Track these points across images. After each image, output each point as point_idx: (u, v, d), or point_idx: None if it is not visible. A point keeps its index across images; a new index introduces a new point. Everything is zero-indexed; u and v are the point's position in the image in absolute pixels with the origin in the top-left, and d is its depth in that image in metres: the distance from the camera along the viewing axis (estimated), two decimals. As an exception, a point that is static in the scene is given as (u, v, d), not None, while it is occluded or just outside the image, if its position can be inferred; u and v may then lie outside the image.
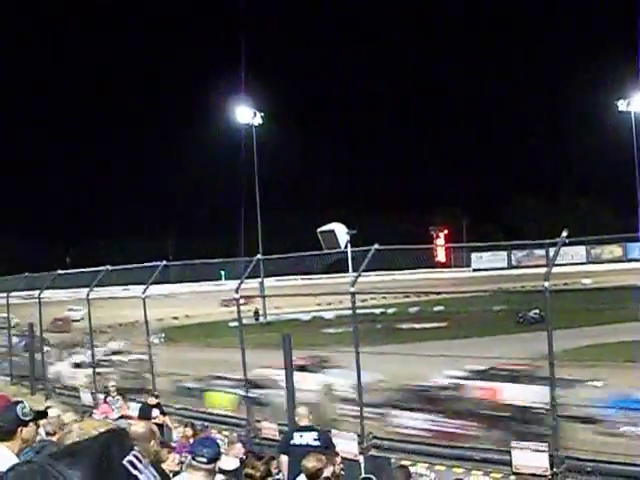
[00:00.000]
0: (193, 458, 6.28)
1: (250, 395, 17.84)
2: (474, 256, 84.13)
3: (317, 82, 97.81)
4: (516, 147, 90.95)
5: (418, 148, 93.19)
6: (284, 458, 10.64)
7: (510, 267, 79.44)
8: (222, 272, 53.81)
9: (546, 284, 12.50)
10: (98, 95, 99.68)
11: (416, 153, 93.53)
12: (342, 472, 9.52)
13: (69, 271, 29.77)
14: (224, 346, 26.30)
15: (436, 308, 45.86)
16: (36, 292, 26.69)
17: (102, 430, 2.15)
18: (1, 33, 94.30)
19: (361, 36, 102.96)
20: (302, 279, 61.34)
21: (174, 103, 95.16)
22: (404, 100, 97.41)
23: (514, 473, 8.65)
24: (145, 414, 14.29)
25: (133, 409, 16.84)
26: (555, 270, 13.26)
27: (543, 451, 8.49)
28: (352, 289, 15.03)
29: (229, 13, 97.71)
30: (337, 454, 10.00)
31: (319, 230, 43.73)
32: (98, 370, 24.31)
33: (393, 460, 12.52)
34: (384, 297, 46.58)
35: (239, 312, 18.24)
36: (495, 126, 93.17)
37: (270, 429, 14.93)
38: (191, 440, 10.37)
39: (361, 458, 13.16)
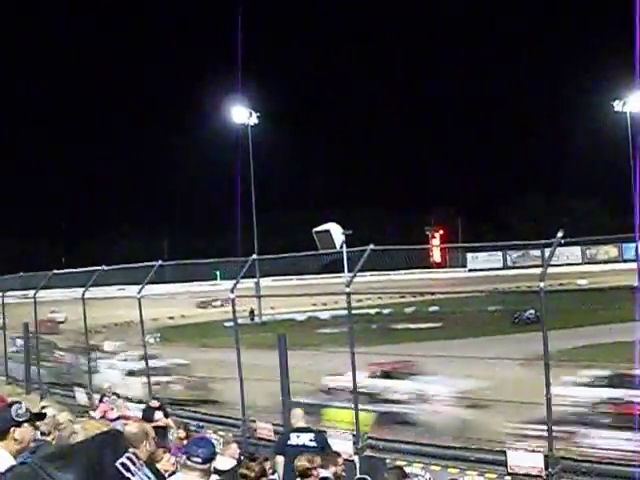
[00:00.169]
0: (188, 458, 6.28)
1: (381, 410, 16.80)
2: (469, 256, 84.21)
3: (312, 81, 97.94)
4: (513, 147, 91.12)
5: (414, 148, 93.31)
6: (280, 459, 10.65)
7: (505, 267, 79.53)
8: (217, 272, 53.80)
9: (541, 284, 12.50)
10: (97, 96, 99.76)
11: (412, 153, 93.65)
12: (343, 473, 9.54)
13: (65, 271, 29.68)
14: (230, 346, 26.29)
15: (431, 308, 45.92)
16: (31, 292, 26.66)
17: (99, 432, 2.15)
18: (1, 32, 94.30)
19: (356, 35, 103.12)
20: (297, 279, 61.35)
21: (171, 104, 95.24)
22: (400, 99, 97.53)
23: (509, 474, 8.66)
24: (148, 416, 14.29)
25: (132, 409, 16.82)
26: (551, 270, 13.27)
27: (538, 452, 8.51)
28: (347, 289, 15.03)
29: (225, 12, 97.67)
30: (339, 455, 10.02)
31: (314, 230, 43.71)
32: (157, 379, 23.10)
33: (388, 460, 12.52)
34: (380, 297, 46.61)
35: (234, 312, 18.23)
36: (492, 126, 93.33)
37: (265, 429, 14.93)
38: (185, 441, 10.36)
39: (356, 458, 13.16)
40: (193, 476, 6.16)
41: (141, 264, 22.69)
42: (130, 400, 20.65)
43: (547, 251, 15.73)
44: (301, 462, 8.05)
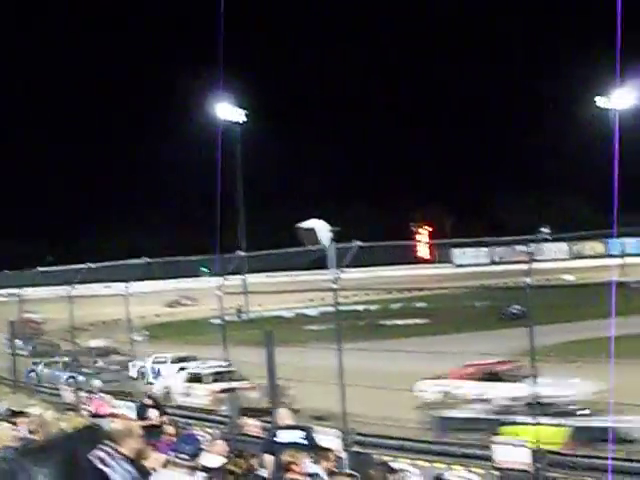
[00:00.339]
0: (175, 455, 6.28)
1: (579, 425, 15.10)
2: (457, 252, 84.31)
3: (302, 79, 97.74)
4: (500, 145, 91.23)
5: (403, 145, 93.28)
6: (268, 457, 10.62)
7: (493, 263, 79.64)
8: (204, 269, 53.68)
9: (527, 280, 12.58)
10: (85, 95, 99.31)
11: (401, 150, 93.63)
12: (335, 469, 9.55)
13: (50, 269, 29.58)
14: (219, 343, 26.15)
15: (419, 304, 45.97)
16: (15, 290, 26.57)
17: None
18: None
19: (344, 32, 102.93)
20: (284, 276, 61.30)
21: (159, 102, 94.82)
22: (390, 97, 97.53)
23: (495, 468, 8.69)
24: (141, 414, 14.25)
25: (124, 407, 16.81)
26: (537, 266, 13.34)
27: (524, 446, 8.54)
28: (334, 286, 15.05)
29: (213, 8, 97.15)
30: (330, 451, 10.03)
31: (299, 226, 43.69)
32: (221, 385, 22.11)
33: (375, 456, 12.55)
34: (367, 294, 46.64)
35: (221, 309, 18.22)
36: (479, 124, 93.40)
37: (253, 427, 14.92)
38: (174, 438, 10.35)
39: (344, 454, 13.18)
40: (180, 472, 6.16)
41: (127, 261, 22.67)
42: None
43: (533, 247, 15.82)
44: (285, 457, 8.11)
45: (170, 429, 12.45)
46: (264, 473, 9.63)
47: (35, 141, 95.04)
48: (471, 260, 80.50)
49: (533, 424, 12.34)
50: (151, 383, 27.73)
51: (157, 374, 29.18)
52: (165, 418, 14.42)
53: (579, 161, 77.51)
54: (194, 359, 29.03)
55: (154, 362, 30.02)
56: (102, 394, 17.65)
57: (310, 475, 8.19)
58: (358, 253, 15.84)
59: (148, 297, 41.19)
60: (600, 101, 54.25)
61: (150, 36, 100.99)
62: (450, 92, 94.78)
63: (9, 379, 26.46)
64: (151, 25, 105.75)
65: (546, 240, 12.94)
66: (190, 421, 16.93)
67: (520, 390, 17.86)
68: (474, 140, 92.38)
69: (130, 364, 28.93)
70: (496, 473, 8.40)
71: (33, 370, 28.44)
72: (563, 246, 77.63)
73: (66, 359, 27.82)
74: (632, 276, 40.82)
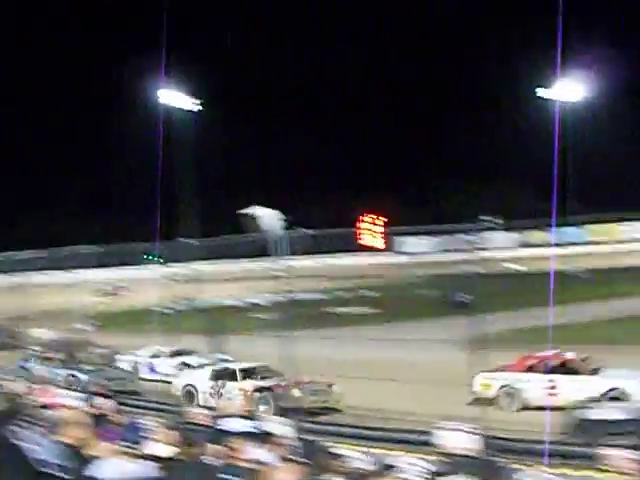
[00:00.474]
0: (123, 444, 6.27)
1: None
2: (404, 240, 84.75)
3: (247, 65, 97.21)
4: (446, 133, 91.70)
5: (352, 133, 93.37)
6: (212, 446, 10.60)
7: (441, 252, 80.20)
8: (149, 256, 53.36)
9: (473, 268, 12.70)
10: (26, 82, 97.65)
11: (349, 138, 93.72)
12: (291, 456, 9.55)
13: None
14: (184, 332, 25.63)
15: (369, 293, 46.10)
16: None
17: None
18: None
19: (287, 21, 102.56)
20: (232, 264, 61.08)
21: (104, 88, 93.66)
22: (336, 84, 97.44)
23: (440, 453, 8.75)
24: (89, 403, 14.07)
25: (72, 397, 16.60)
26: (485, 254, 13.49)
27: (472, 432, 8.60)
28: (283, 274, 15.06)
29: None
30: (281, 438, 10.03)
31: (242, 212, 43.43)
32: (256, 383, 20.59)
33: (326, 444, 12.57)
34: (316, 282, 46.70)
35: (172, 298, 18.13)
36: (425, 113, 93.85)
37: (201, 415, 14.86)
38: (121, 427, 10.30)
39: (296, 443, 13.18)
40: (127, 461, 6.14)
41: (69, 248, 22.36)
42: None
43: (480, 236, 15.99)
44: (229, 445, 8.14)
45: (118, 418, 12.37)
46: (210, 461, 9.62)
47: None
48: (421, 249, 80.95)
49: None
50: (144, 379, 25.87)
51: (152, 369, 26.81)
52: (113, 406, 14.30)
53: (528, 151, 78.27)
54: (192, 353, 26.86)
55: (149, 356, 27.39)
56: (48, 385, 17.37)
57: (257, 462, 8.19)
58: (308, 241, 15.87)
59: (90, 285, 40.79)
60: (542, 92, 54.49)
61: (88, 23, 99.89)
62: (394, 80, 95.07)
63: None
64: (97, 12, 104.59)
65: (492, 229, 13.07)
66: (140, 410, 16.83)
67: (604, 383, 18.34)
68: (421, 127, 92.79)
69: (119, 358, 26.98)
70: (444, 459, 8.46)
71: (23, 367, 25.95)
72: (510, 235, 78.45)
73: (61, 356, 26.13)
74: (575, 265, 41.47)
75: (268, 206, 44.09)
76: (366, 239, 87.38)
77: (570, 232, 60.44)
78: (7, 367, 26.12)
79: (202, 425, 11.40)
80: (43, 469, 5.82)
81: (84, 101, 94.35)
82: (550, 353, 20.19)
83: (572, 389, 19.03)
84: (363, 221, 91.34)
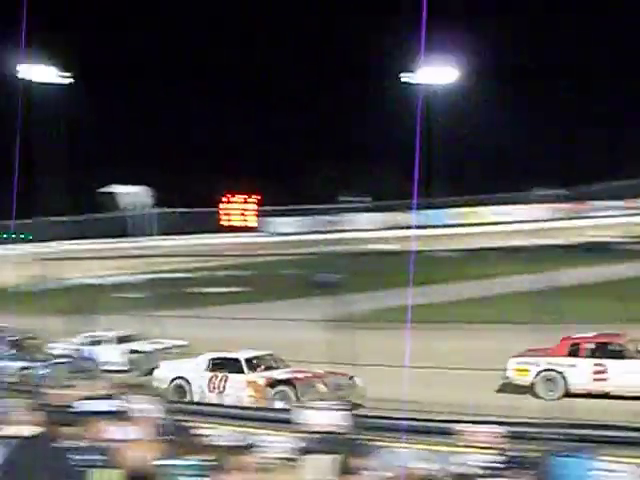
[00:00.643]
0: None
1: None
2: (274, 221, 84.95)
3: (113, 37, 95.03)
4: (316, 116, 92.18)
5: (223, 114, 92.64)
6: (67, 427, 10.39)
7: (310, 232, 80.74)
8: (6, 235, 51.74)
9: (341, 248, 12.80)
10: None
11: (221, 118, 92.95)
12: (150, 436, 9.40)
13: None
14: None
15: (236, 272, 46.02)
16: None
17: None
18: None
19: None
20: (93, 242, 59.77)
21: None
22: (204, 64, 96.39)
23: (307, 432, 8.82)
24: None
25: None
26: (352, 235, 13.62)
27: (338, 409, 8.71)
28: (148, 252, 14.83)
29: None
30: (146, 418, 9.88)
31: (107, 190, 42.59)
32: (267, 375, 18.40)
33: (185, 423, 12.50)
34: (183, 261, 46.28)
35: (32, 277, 17.62)
36: (294, 95, 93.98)
37: (58, 396, 14.54)
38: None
39: (161, 422, 13.06)
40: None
41: None
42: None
43: (346, 217, 16.13)
44: (88, 426, 8.03)
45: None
46: (68, 443, 9.42)
47: None
48: (291, 229, 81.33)
49: None
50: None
51: (92, 359, 22.50)
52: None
53: (397, 134, 79.35)
54: (140, 338, 23.97)
55: (89, 343, 23.91)
56: None
57: (115, 441, 8.08)
58: (175, 220, 15.70)
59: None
60: (407, 76, 55.23)
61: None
62: (264, 61, 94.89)
63: None
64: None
65: (361, 210, 13.19)
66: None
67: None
68: (286, 108, 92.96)
69: (51, 347, 23.77)
70: (307, 436, 8.55)
71: None
72: (379, 215, 79.63)
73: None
74: (446, 246, 42.49)
75: (134, 184, 43.35)
76: (236, 219, 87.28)
77: (435, 214, 61.94)
78: None
79: (61, 406, 11.12)
80: None
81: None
82: (592, 335, 19.45)
83: (620, 373, 18.34)
84: (233, 201, 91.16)
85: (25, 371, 21.08)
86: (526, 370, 19.28)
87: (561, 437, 10.77)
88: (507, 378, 19.58)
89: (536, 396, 19.07)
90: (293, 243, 57.69)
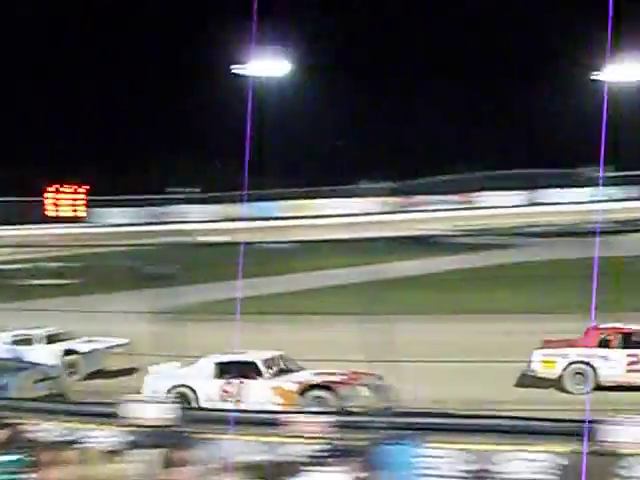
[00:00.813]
0: None
1: None
2: (104, 211, 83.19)
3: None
4: (148, 106, 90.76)
5: (51, 102, 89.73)
6: None
7: (141, 223, 79.46)
8: None
9: (173, 240, 12.71)
10: None
11: (51, 106, 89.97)
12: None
13: None
14: None
15: (62, 264, 44.85)
16: None
17: None
18: None
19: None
20: None
21: None
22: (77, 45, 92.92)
23: (134, 426, 8.73)
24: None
25: None
26: (187, 226, 13.56)
27: (161, 402, 8.66)
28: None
29: None
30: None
31: None
32: (293, 379, 16.49)
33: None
34: (7, 252, 44.80)
35: None
36: (125, 83, 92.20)
37: None
38: None
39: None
40: None
41: None
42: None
43: (177, 208, 16.01)
44: None
45: None
46: None
47: None
48: (121, 219, 79.90)
49: None
50: None
51: (21, 360, 19.53)
52: None
53: (228, 126, 79.10)
54: (72, 336, 21.47)
55: (13, 342, 20.98)
56: None
57: None
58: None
59: None
60: (239, 68, 55.09)
61: None
62: (100, 48, 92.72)
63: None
64: None
65: (194, 201, 13.13)
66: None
67: None
68: (125, 100, 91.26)
69: None
70: (134, 430, 8.45)
71: None
72: (207, 207, 79.26)
73: None
74: (279, 238, 42.80)
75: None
76: (65, 209, 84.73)
77: (267, 206, 62.16)
78: None
79: None
80: None
81: None
82: (619, 325, 18.73)
83: None
84: (62, 191, 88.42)
85: None
86: (553, 362, 18.47)
87: (388, 426, 11.05)
88: (533, 371, 18.82)
89: (563, 390, 18.59)
90: (124, 234, 56.72)
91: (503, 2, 58.11)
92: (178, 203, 64.48)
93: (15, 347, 20.64)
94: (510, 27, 57.40)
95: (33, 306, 27.53)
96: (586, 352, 18.22)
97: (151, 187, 77.73)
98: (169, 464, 7.56)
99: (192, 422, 10.33)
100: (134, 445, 8.16)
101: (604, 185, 45.18)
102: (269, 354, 17.95)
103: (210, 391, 16.95)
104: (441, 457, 10.46)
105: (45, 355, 20.23)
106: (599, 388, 18.02)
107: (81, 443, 6.87)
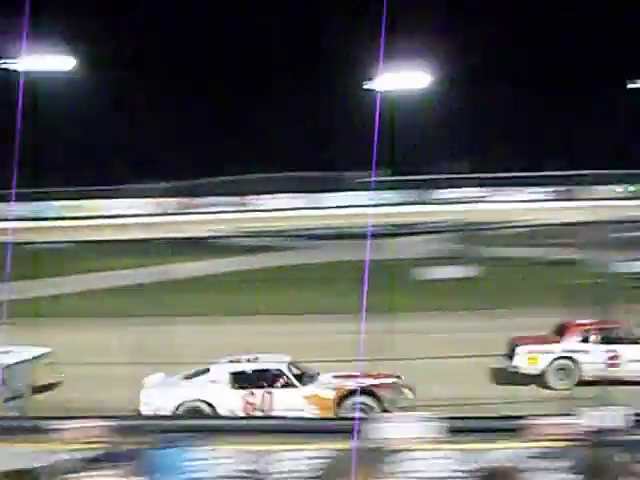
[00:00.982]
0: None
1: None
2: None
3: None
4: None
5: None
6: None
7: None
8: None
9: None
10: None
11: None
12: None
13: None
14: None
15: None
16: None
17: None
18: None
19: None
20: None
21: None
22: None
23: None
24: None
25: None
26: None
27: None
28: None
29: None
30: None
31: None
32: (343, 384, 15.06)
33: None
34: None
35: None
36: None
37: None
38: None
39: None
40: None
41: None
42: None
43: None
44: None
45: None
46: None
47: None
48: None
49: None
50: None
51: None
52: None
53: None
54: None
55: None
56: None
57: None
58: None
59: None
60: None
61: None
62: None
63: None
64: None
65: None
66: None
67: None
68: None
69: None
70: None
71: None
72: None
73: None
74: (48, 238, 41.26)
75: None
76: None
77: (46, 205, 59.89)
78: None
79: None
80: None
81: None
82: (596, 320, 18.89)
83: (632, 358, 18.18)
84: None
85: None
86: (536, 358, 18.65)
87: (163, 429, 10.95)
88: (516, 367, 18.90)
89: (544, 386, 18.74)
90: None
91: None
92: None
93: None
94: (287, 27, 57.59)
95: None
96: (570, 347, 18.69)
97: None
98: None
99: None
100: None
101: (382, 189, 47.14)
102: (288, 358, 16.70)
103: (230, 404, 15.65)
104: (218, 458, 10.48)
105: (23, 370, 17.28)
106: (580, 383, 18.43)
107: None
